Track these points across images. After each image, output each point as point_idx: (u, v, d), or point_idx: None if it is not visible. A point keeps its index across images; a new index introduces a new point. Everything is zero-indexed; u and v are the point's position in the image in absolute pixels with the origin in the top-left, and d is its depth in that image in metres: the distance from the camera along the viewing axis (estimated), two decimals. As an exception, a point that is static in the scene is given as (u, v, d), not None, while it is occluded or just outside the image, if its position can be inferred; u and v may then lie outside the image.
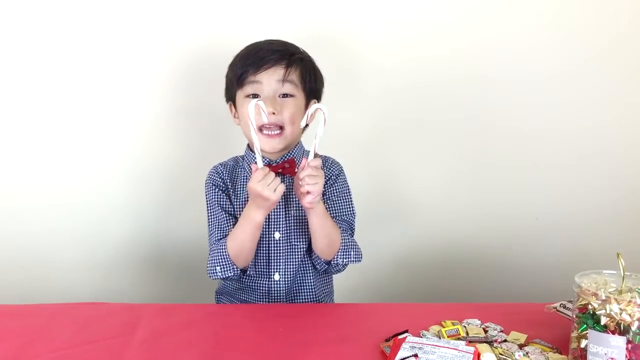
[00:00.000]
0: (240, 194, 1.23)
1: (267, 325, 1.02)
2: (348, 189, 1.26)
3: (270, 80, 1.16)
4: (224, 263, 1.14)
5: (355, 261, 1.18)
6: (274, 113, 1.15)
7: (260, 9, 1.48)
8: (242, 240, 1.13)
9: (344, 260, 1.16)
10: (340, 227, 1.19)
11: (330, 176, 1.24)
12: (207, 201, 1.24)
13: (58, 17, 1.45)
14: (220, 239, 1.18)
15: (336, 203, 1.23)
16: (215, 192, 1.23)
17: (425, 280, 1.63)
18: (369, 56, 1.52)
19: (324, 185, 1.17)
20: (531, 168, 1.60)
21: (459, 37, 1.53)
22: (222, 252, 1.14)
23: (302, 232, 1.21)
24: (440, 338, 0.95)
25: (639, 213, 1.61)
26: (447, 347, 0.89)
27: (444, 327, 0.98)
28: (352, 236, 1.22)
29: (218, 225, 1.20)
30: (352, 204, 1.25)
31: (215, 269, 1.15)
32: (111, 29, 1.47)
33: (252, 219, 1.11)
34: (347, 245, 1.17)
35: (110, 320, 1.06)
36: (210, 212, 1.23)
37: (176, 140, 1.54)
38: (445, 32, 1.52)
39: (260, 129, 1.16)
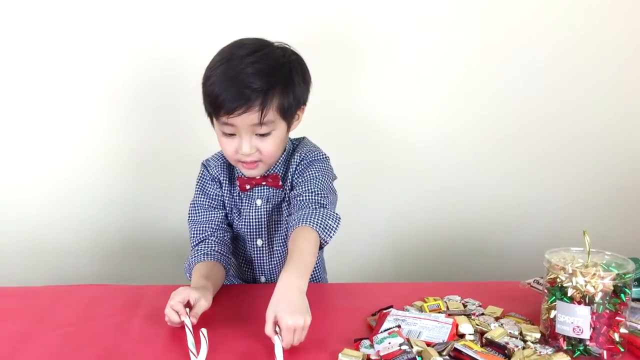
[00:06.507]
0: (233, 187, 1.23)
1: (258, 304, 1.08)
2: (323, 172, 1.17)
3: (244, 123, 1.07)
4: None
5: (337, 228, 1.08)
6: (250, 154, 1.10)
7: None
8: None
9: (330, 236, 1.07)
10: (301, 206, 1.10)
11: (301, 161, 1.18)
12: (196, 184, 1.24)
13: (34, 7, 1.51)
14: (199, 243, 1.17)
15: (305, 182, 1.15)
16: (204, 179, 1.23)
17: (410, 265, 1.71)
18: (363, 46, 1.58)
19: (293, 172, 1.16)
20: (513, 158, 1.68)
21: (451, 35, 1.59)
22: (192, 264, 1.15)
23: (283, 238, 1.22)
24: (422, 312, 1.02)
25: (607, 203, 1.71)
26: (428, 319, 0.96)
27: (426, 303, 1.05)
28: (319, 207, 1.10)
29: (202, 220, 1.19)
30: (326, 184, 1.16)
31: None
32: (105, 24, 1.53)
33: None
34: (322, 225, 1.06)
35: (112, 300, 1.11)
36: (194, 198, 1.23)
37: (174, 131, 1.60)
38: (437, 29, 1.59)
39: None
